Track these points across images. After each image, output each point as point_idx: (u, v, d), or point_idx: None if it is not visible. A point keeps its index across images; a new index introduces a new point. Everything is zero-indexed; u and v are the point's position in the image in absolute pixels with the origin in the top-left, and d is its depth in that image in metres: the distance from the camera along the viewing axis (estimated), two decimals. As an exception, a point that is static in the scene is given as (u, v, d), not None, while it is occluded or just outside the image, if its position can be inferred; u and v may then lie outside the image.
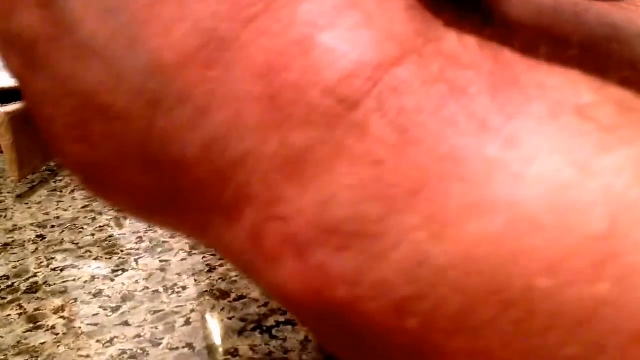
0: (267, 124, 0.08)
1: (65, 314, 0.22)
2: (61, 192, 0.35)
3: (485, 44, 0.09)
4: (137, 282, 0.24)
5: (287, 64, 0.08)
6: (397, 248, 0.08)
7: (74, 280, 0.25)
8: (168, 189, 0.10)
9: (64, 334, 0.21)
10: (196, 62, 0.09)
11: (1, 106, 0.34)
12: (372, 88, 0.08)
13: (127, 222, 0.30)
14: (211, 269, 0.25)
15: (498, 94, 0.08)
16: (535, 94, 0.08)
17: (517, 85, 0.08)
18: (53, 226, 0.30)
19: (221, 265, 0.25)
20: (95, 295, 0.23)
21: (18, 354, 0.20)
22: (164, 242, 0.27)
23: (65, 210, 0.32)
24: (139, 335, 0.20)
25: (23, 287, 0.24)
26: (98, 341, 0.20)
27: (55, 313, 0.22)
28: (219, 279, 0.24)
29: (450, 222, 0.08)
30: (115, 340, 0.20)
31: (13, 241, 0.29)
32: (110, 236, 0.29)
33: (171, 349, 0.19)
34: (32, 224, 0.31)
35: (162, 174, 0.10)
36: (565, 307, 0.07)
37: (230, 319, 0.21)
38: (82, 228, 0.30)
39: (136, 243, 0.28)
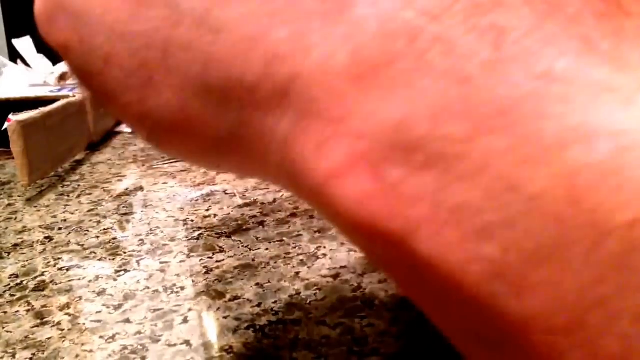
0: (335, 36, 0.08)
1: (71, 311, 0.23)
2: (68, 196, 0.36)
3: None
4: (138, 282, 0.24)
5: None
6: (484, 170, 0.07)
7: (79, 279, 0.25)
8: (232, 119, 0.09)
9: (69, 329, 0.21)
10: None
11: (13, 115, 0.35)
12: (456, 2, 0.07)
13: (130, 225, 0.31)
14: (208, 271, 0.25)
15: (604, 17, 0.07)
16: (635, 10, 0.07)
17: (624, 11, 0.07)
18: (60, 228, 0.31)
19: (217, 268, 0.25)
20: (99, 294, 0.24)
21: (25, 348, 0.20)
22: (164, 245, 0.28)
23: (72, 213, 0.33)
24: (139, 332, 0.21)
25: (31, 285, 0.25)
26: (101, 337, 0.21)
27: (61, 310, 0.23)
28: (215, 280, 0.24)
29: (547, 146, 0.07)
30: (117, 336, 0.20)
31: (22, 242, 0.29)
32: (114, 238, 0.29)
33: (169, 346, 0.20)
34: (40, 226, 0.31)
35: (226, 103, 0.09)
36: None
37: (225, 318, 0.21)
38: (88, 230, 0.30)
39: (138, 245, 0.28)
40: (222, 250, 0.27)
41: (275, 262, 0.25)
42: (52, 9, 0.11)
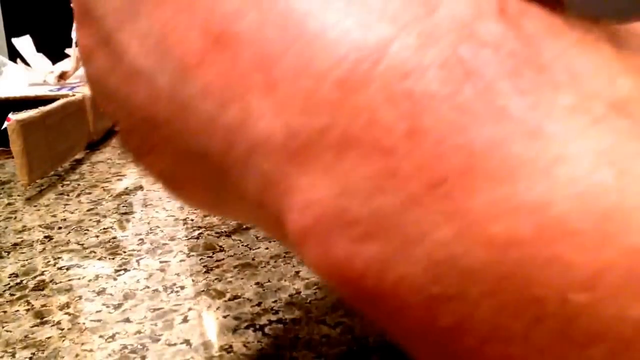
0: (272, 112, 0.08)
1: (70, 310, 0.23)
2: (68, 195, 0.36)
3: (504, 4, 0.07)
4: (138, 281, 0.24)
5: (282, 52, 0.08)
6: (420, 244, 0.07)
7: (78, 278, 0.25)
8: (216, 181, 0.10)
9: (68, 329, 0.21)
10: (210, 61, 0.08)
11: (13, 114, 0.35)
12: (372, 69, 0.07)
13: (130, 225, 0.31)
14: (208, 270, 0.25)
15: (520, 80, 0.07)
16: (564, 81, 0.07)
17: (542, 70, 0.07)
18: (60, 228, 0.31)
19: (217, 267, 0.25)
20: (98, 293, 0.24)
21: (25, 347, 0.20)
22: (164, 244, 0.28)
23: (72, 212, 0.33)
24: (139, 332, 0.21)
25: (31, 284, 0.25)
26: (101, 336, 0.20)
27: (60, 309, 0.23)
28: (215, 279, 0.24)
29: (475, 221, 0.07)
30: (117, 335, 0.20)
31: (22, 241, 0.29)
32: (114, 238, 0.29)
33: (169, 345, 0.20)
34: (40, 225, 0.31)
35: (207, 167, 0.10)
36: (605, 325, 0.06)
37: (225, 317, 0.21)
38: (87, 230, 0.30)
39: (138, 245, 0.28)
40: (222, 250, 0.27)
41: (275, 261, 0.25)
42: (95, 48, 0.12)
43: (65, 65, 0.52)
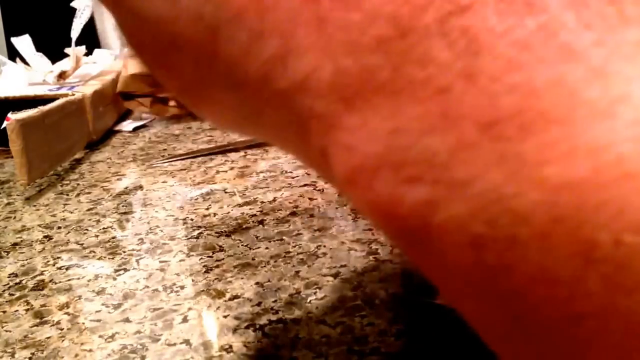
0: (319, 49, 0.08)
1: (70, 310, 0.23)
2: (67, 195, 0.36)
3: None
4: (137, 281, 0.24)
5: None
6: (470, 184, 0.07)
7: (78, 278, 0.25)
8: (249, 106, 0.09)
9: (68, 329, 0.21)
10: None
11: (12, 113, 0.35)
12: (427, 4, 0.07)
13: (129, 224, 0.31)
14: (208, 270, 0.25)
15: (586, 11, 0.07)
16: (634, 15, 0.07)
17: (610, 1, 0.07)
18: (59, 227, 0.31)
19: (217, 267, 0.25)
20: (98, 293, 0.24)
21: (25, 348, 0.20)
22: (163, 244, 0.28)
23: (71, 212, 0.33)
24: (139, 332, 0.21)
25: (30, 284, 0.25)
26: (100, 336, 0.20)
27: (60, 309, 0.23)
28: (215, 279, 0.24)
29: (527, 163, 0.07)
30: (117, 335, 0.20)
31: (22, 241, 0.29)
32: (113, 237, 0.29)
33: (169, 345, 0.20)
34: (39, 225, 0.31)
35: (238, 92, 0.09)
36: None
37: (225, 317, 0.21)
38: (87, 229, 0.30)
39: (137, 244, 0.28)
40: (221, 249, 0.27)
41: (275, 261, 0.25)
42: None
43: (64, 64, 0.52)
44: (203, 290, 0.23)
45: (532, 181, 0.07)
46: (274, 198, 0.33)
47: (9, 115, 0.35)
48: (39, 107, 0.38)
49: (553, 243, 0.06)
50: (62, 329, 0.21)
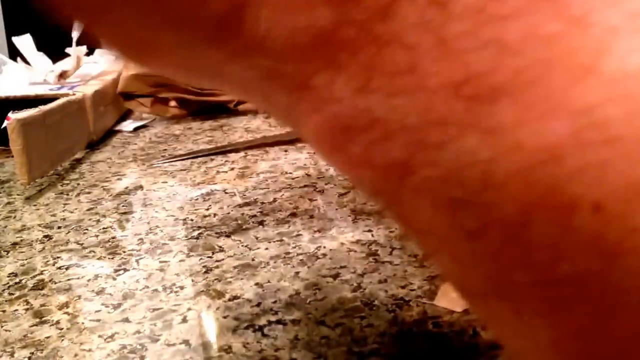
0: (272, 8, 0.07)
1: (70, 310, 0.23)
2: (67, 195, 0.36)
3: None
4: (137, 281, 0.24)
5: None
6: (443, 148, 0.07)
7: (78, 278, 0.25)
8: (205, 63, 0.09)
9: (67, 329, 0.21)
10: None
11: (13, 113, 0.35)
12: None
13: (129, 224, 0.31)
14: (207, 270, 0.25)
15: None
16: None
17: None
18: (59, 227, 0.31)
19: (217, 267, 0.25)
20: (98, 293, 0.24)
21: (24, 347, 0.20)
22: (163, 244, 0.28)
23: (71, 212, 0.33)
24: (138, 332, 0.21)
25: (30, 284, 0.25)
26: (100, 336, 0.21)
27: (60, 309, 0.23)
28: (215, 279, 0.24)
29: (502, 126, 0.06)
30: (116, 335, 0.20)
31: (21, 240, 0.29)
32: (113, 237, 0.29)
33: (168, 345, 0.20)
34: (39, 225, 0.31)
35: (192, 49, 0.09)
36: (638, 239, 0.06)
37: (224, 317, 0.21)
38: (87, 229, 0.30)
39: (137, 244, 0.28)
40: (221, 250, 0.27)
41: (275, 262, 0.25)
42: None
43: (65, 64, 0.52)
44: (203, 291, 0.23)
45: (507, 145, 0.06)
46: (274, 199, 0.33)
47: (10, 114, 0.35)
48: (40, 106, 0.38)
49: (529, 209, 0.06)
50: (61, 329, 0.21)
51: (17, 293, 0.24)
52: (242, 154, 0.41)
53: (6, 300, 0.24)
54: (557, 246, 0.06)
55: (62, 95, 0.44)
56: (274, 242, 0.27)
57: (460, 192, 0.07)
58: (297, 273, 0.24)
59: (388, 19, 0.07)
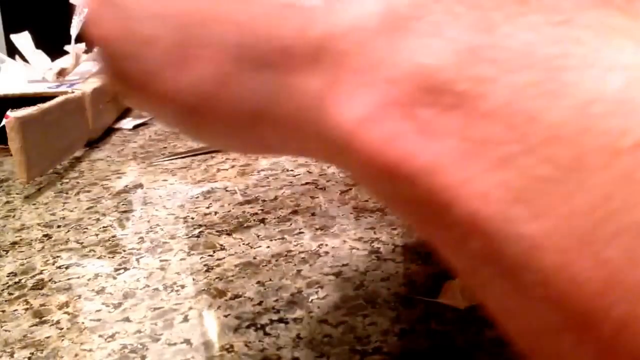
0: None
1: (70, 309, 0.22)
2: (67, 193, 0.36)
3: None
4: (138, 280, 0.24)
5: None
6: (507, 105, 0.08)
7: (78, 277, 0.25)
8: (267, 85, 0.10)
9: (68, 328, 0.21)
10: None
11: (11, 111, 0.35)
12: None
13: (130, 223, 0.31)
14: (209, 269, 0.25)
15: None
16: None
17: None
18: (59, 226, 0.31)
19: (218, 266, 0.25)
20: (98, 292, 0.24)
21: (24, 347, 0.20)
22: (164, 242, 0.28)
23: (71, 211, 0.33)
24: (139, 331, 0.21)
25: (29, 283, 0.25)
26: (100, 336, 0.20)
27: (60, 309, 0.23)
28: (216, 278, 0.24)
29: (564, 81, 0.07)
30: (117, 335, 0.20)
31: (21, 240, 0.29)
32: (113, 236, 0.29)
33: (169, 345, 0.20)
34: (39, 224, 0.31)
35: (260, 67, 0.10)
36: None
37: (226, 316, 0.21)
38: (87, 228, 0.30)
39: (138, 243, 0.28)
40: (222, 248, 0.27)
41: (277, 260, 0.25)
42: (101, 4, 0.12)
43: (64, 62, 0.52)
44: (204, 290, 0.23)
45: (567, 96, 0.07)
46: (276, 196, 0.32)
47: (8, 113, 0.35)
48: (39, 104, 0.37)
49: (581, 149, 0.07)
50: (61, 329, 0.21)
51: (17, 293, 0.24)
52: (242, 151, 0.41)
53: (6, 300, 0.23)
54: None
55: (61, 93, 0.43)
56: (276, 240, 0.27)
57: (518, 147, 0.08)
58: (299, 271, 0.24)
59: None
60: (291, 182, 0.34)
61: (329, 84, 0.09)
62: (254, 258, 0.26)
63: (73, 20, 0.51)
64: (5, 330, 0.21)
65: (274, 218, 0.29)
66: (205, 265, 0.25)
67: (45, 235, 0.30)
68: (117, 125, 0.51)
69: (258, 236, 0.28)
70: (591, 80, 0.07)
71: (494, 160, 0.08)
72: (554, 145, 0.07)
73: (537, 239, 0.07)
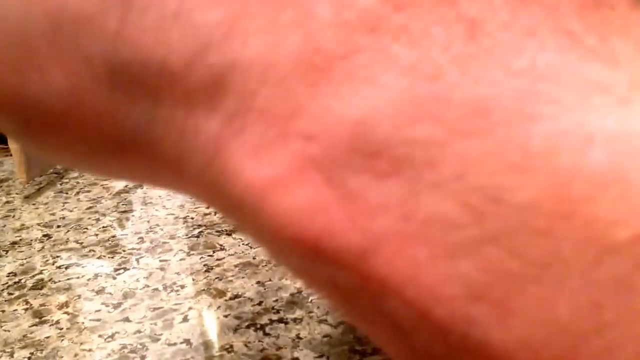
0: (281, 22, 0.07)
1: (69, 309, 0.22)
2: (67, 193, 0.36)
3: None
4: (137, 280, 0.24)
5: None
6: (461, 179, 0.06)
7: (77, 277, 0.25)
8: (142, 112, 0.08)
9: (67, 328, 0.21)
10: None
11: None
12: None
13: (129, 223, 0.31)
14: (208, 269, 0.25)
15: (585, 8, 0.06)
16: (637, 19, 0.06)
17: (606, 2, 0.07)
18: (59, 226, 0.31)
19: (218, 266, 0.25)
20: (98, 292, 0.24)
21: (24, 347, 0.20)
22: (164, 242, 0.28)
23: (71, 211, 0.33)
24: (139, 331, 0.21)
25: (29, 283, 0.25)
26: (100, 336, 0.20)
27: (59, 309, 0.23)
28: (216, 278, 0.24)
29: (534, 152, 0.06)
30: (117, 335, 0.20)
31: (20, 240, 0.29)
32: (113, 236, 0.29)
33: (169, 344, 0.20)
34: (39, 224, 0.31)
35: (136, 91, 0.08)
36: None
37: (225, 316, 0.21)
38: (86, 228, 0.30)
39: (137, 243, 0.28)
40: (222, 248, 0.27)
41: (276, 260, 0.25)
42: None
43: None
44: (204, 290, 0.23)
45: (538, 172, 0.06)
46: (275, 196, 0.32)
47: (8, 113, 0.35)
48: (38, 105, 0.37)
49: (561, 241, 0.06)
50: (61, 329, 0.21)
51: (17, 293, 0.24)
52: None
53: (5, 300, 0.23)
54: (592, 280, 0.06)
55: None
56: (275, 240, 0.27)
57: (478, 231, 0.06)
58: (299, 271, 0.24)
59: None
60: (291, 183, 0.34)
61: (232, 131, 0.07)
62: (254, 258, 0.26)
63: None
64: (5, 330, 0.21)
65: (274, 218, 0.29)
66: (205, 265, 0.25)
67: (45, 235, 0.30)
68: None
69: (258, 236, 0.28)
70: (567, 153, 0.06)
71: (445, 245, 0.06)
72: (522, 234, 0.06)
73: (505, 348, 0.06)
